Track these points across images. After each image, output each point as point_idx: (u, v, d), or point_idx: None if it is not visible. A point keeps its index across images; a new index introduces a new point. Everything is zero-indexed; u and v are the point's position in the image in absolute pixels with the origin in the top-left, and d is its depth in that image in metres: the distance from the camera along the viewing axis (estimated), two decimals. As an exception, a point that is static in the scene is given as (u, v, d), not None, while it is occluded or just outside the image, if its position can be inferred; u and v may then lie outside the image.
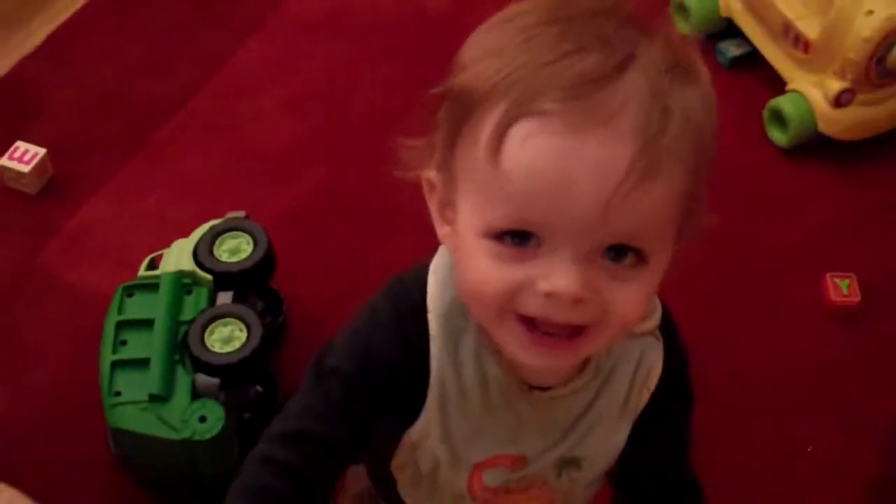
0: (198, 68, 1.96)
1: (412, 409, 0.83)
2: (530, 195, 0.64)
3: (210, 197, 1.72)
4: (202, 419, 1.28)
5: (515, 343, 0.71)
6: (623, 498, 0.90)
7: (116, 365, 1.35)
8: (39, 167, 1.75)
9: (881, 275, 1.66)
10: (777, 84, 1.83)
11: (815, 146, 1.80)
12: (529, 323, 0.69)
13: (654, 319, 0.83)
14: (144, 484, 1.41)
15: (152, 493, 1.40)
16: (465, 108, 0.68)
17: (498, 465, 0.86)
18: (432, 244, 1.68)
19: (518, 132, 0.64)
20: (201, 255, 1.43)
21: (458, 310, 0.78)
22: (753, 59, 1.91)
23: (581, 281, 0.65)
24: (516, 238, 0.66)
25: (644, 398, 0.84)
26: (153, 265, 1.48)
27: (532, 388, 0.80)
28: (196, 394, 1.32)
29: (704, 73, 0.69)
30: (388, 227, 1.67)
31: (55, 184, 1.77)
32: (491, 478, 0.87)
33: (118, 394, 1.33)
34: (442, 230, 0.76)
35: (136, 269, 1.49)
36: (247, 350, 1.34)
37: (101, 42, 1.99)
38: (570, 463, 0.86)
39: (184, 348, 1.35)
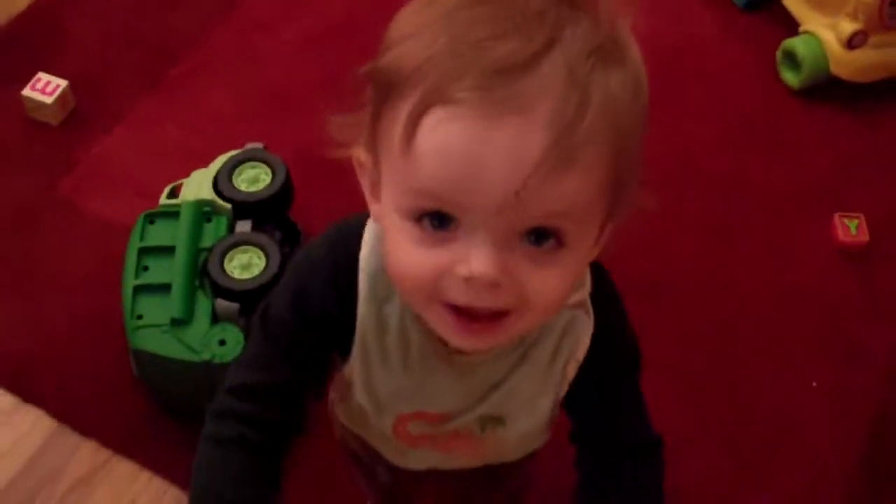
0: (214, 4, 1.97)
1: (347, 350, 0.84)
2: (441, 179, 0.63)
3: (229, 129, 1.74)
4: (221, 342, 1.32)
5: (443, 328, 0.71)
6: (583, 458, 0.89)
7: (138, 290, 1.39)
8: (62, 98, 1.77)
9: (890, 215, 1.68)
10: (790, 26, 1.84)
11: (826, 88, 1.81)
12: (456, 309, 0.68)
13: (582, 293, 0.81)
14: (164, 406, 1.44)
15: (172, 415, 1.44)
16: (386, 90, 0.67)
17: (420, 419, 0.87)
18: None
19: (430, 119, 0.63)
20: (221, 184, 1.45)
21: (386, 274, 0.78)
22: (768, 1, 1.91)
23: (498, 265, 0.65)
24: (435, 220, 0.66)
25: (572, 369, 0.84)
26: (174, 194, 1.51)
27: (452, 352, 0.81)
28: (216, 318, 1.35)
29: (633, 52, 0.68)
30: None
31: (77, 115, 1.79)
32: (414, 428, 0.88)
33: (140, 317, 1.36)
34: (374, 208, 0.75)
35: (157, 199, 1.51)
36: (265, 276, 1.37)
37: (121, -25, 2.01)
38: (492, 420, 0.87)
39: (204, 274, 1.39)
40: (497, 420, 0.87)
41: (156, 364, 1.35)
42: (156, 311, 1.36)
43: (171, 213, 1.46)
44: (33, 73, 1.79)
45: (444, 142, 0.63)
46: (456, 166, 0.63)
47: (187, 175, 1.51)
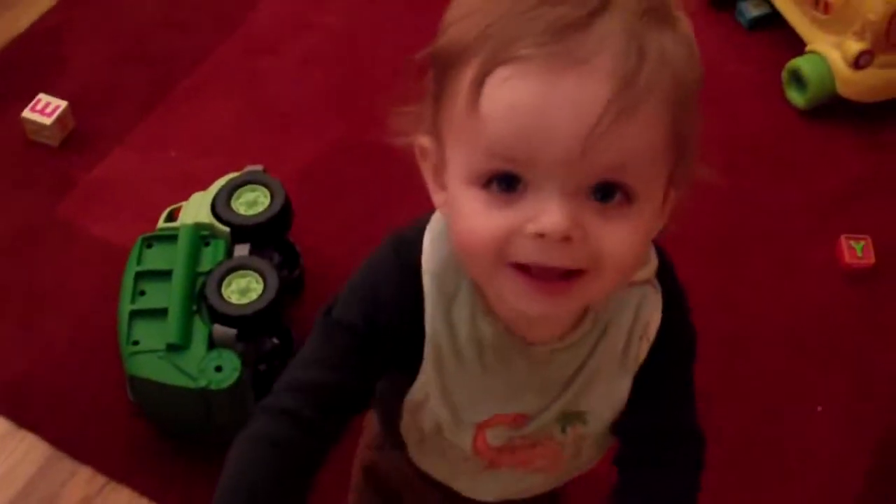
0: (217, 22, 1.97)
1: (413, 365, 0.83)
2: (509, 135, 0.65)
3: (229, 151, 1.73)
4: (218, 369, 1.30)
5: (513, 292, 0.70)
6: (626, 449, 0.89)
7: (135, 314, 1.38)
8: (61, 120, 1.76)
9: (896, 237, 1.66)
10: (796, 45, 1.83)
11: (833, 108, 1.79)
12: (525, 270, 0.69)
13: (650, 268, 0.82)
14: (161, 432, 1.43)
15: (169, 441, 1.42)
16: (447, 67, 0.69)
17: (499, 423, 0.86)
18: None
19: (495, 78, 0.65)
20: (219, 207, 1.44)
21: (452, 269, 0.79)
22: (773, 20, 1.90)
23: (569, 217, 0.65)
24: (502, 183, 0.67)
25: (644, 349, 0.83)
26: (172, 217, 1.50)
27: (528, 343, 0.80)
28: (213, 344, 1.34)
29: (684, 20, 0.70)
30: (405, 184, 1.66)
31: (76, 136, 1.79)
32: (494, 437, 0.87)
33: (136, 343, 1.35)
34: (438, 197, 0.76)
35: (156, 221, 1.50)
36: (263, 301, 1.36)
37: (121, -2, 2.01)
38: (572, 417, 0.86)
39: (201, 299, 1.37)
40: (577, 417, 0.86)
41: (152, 390, 1.34)
42: (152, 336, 1.35)
43: (169, 237, 1.45)
44: (34, 95, 1.78)
45: (510, 98, 0.64)
46: (522, 120, 0.64)
47: (187, 198, 1.50)
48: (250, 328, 1.36)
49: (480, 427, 0.86)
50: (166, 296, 1.37)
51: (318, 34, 1.94)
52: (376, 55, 1.89)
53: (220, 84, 1.87)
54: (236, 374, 1.29)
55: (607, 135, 0.63)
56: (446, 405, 0.85)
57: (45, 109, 1.76)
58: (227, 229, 1.43)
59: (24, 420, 1.46)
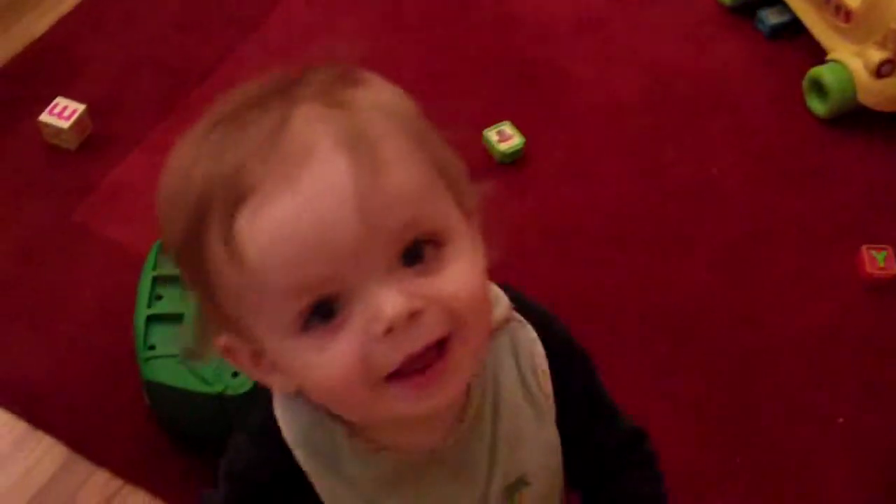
0: (232, 30, 1.97)
1: None
2: (291, 267, 0.61)
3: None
4: (235, 374, 1.30)
5: (405, 402, 0.66)
6: (580, 474, 0.86)
7: (151, 319, 1.37)
8: (79, 123, 1.76)
9: (919, 247, 1.65)
10: (817, 53, 1.81)
11: (854, 117, 1.78)
12: (402, 376, 0.64)
13: (503, 306, 0.78)
14: (177, 436, 1.42)
15: (184, 446, 1.41)
16: (189, 250, 0.65)
17: None
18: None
19: (240, 223, 0.61)
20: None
21: (318, 429, 0.75)
22: (794, 28, 1.89)
23: (402, 293, 0.62)
24: (319, 315, 0.63)
25: (545, 381, 0.80)
26: (189, 222, 1.49)
27: (432, 450, 0.76)
28: (229, 349, 1.33)
29: (374, 78, 0.69)
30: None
31: (94, 140, 1.79)
32: None
33: (153, 348, 1.35)
34: (273, 379, 0.71)
35: (173, 226, 1.50)
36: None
37: (137, 2, 2.01)
38: (513, 487, 0.82)
39: (218, 304, 1.36)
40: (519, 483, 0.82)
41: (168, 395, 1.34)
42: (168, 341, 1.34)
43: (187, 242, 1.44)
44: (52, 98, 1.79)
45: (268, 232, 0.61)
46: (292, 245, 0.60)
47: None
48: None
49: None
50: (183, 301, 1.37)
51: (335, 39, 1.94)
52: (393, 66, 1.89)
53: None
54: (252, 380, 1.29)
55: (377, 200, 0.61)
56: None
57: (62, 113, 1.76)
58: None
59: (42, 422, 1.46)
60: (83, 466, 1.42)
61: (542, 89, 1.86)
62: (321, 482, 0.76)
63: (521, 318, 0.79)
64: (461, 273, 0.65)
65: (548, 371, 0.80)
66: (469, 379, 0.71)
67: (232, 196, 0.61)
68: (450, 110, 1.78)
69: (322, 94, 0.64)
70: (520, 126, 1.74)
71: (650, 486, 0.87)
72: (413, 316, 0.62)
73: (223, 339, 0.70)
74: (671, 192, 1.70)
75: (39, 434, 1.45)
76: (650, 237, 1.64)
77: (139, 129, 1.80)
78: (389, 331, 0.62)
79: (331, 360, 0.63)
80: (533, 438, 0.81)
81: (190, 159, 0.65)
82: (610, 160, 1.74)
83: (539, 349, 0.79)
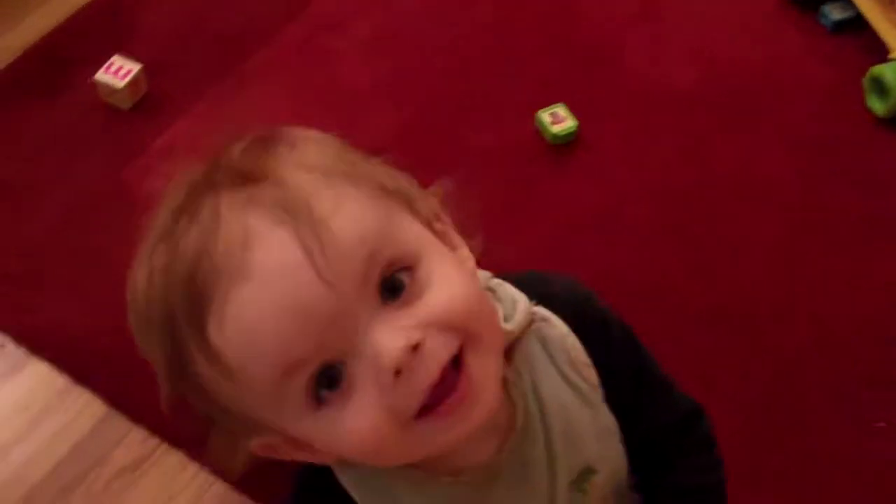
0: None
1: None
2: (279, 347, 0.60)
3: (293, 123, 1.73)
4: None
5: (440, 434, 0.65)
6: (641, 464, 0.85)
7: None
8: (134, 83, 1.77)
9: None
10: (880, 51, 1.78)
11: (914, 118, 1.75)
12: (429, 410, 0.63)
13: (522, 310, 0.76)
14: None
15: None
16: (181, 379, 0.65)
17: None
18: (501, 192, 1.67)
19: (212, 335, 0.61)
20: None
21: (372, 481, 0.75)
22: (857, 24, 1.85)
23: (395, 331, 0.61)
24: (325, 382, 0.62)
25: (590, 373, 0.78)
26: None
27: (488, 466, 0.76)
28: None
29: (291, 133, 0.69)
30: (462, 174, 1.67)
31: (148, 100, 1.80)
32: None
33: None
34: (317, 458, 0.71)
35: (221, 190, 1.50)
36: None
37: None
38: (581, 478, 0.81)
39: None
40: (586, 472, 0.81)
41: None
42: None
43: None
44: (108, 57, 1.79)
45: (237, 329, 0.60)
46: (265, 329, 0.60)
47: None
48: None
49: None
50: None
51: (387, 15, 1.93)
52: (443, 42, 1.88)
53: (288, 59, 1.87)
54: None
55: (330, 256, 0.59)
56: None
57: (118, 72, 1.77)
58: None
59: (83, 378, 1.47)
60: (120, 423, 1.43)
61: (599, 74, 1.84)
62: None
63: (547, 315, 0.78)
64: (445, 284, 0.64)
65: (589, 362, 0.78)
66: (499, 383, 0.69)
67: (194, 312, 0.61)
68: (503, 89, 1.79)
69: (241, 174, 0.63)
70: (574, 110, 1.73)
71: (707, 476, 0.86)
72: (416, 349, 0.61)
73: (254, 442, 0.70)
74: (722, 183, 1.68)
75: (80, 389, 1.46)
76: (698, 228, 1.62)
77: (193, 93, 1.81)
78: (399, 373, 0.61)
79: (355, 423, 0.62)
80: (587, 429, 0.80)
81: (144, 283, 0.65)
82: (662, 149, 1.73)
83: (573, 342, 0.78)
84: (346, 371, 0.62)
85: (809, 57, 1.87)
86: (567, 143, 1.70)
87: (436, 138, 1.74)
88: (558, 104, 1.73)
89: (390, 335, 0.61)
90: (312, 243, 0.59)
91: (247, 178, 0.62)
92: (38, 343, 1.52)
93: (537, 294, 0.78)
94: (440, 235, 0.69)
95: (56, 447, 1.41)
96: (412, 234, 0.66)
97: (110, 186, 1.69)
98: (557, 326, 0.77)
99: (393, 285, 0.62)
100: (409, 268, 0.63)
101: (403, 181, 0.70)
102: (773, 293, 1.56)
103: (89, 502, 1.37)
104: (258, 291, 0.59)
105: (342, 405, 0.62)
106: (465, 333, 0.64)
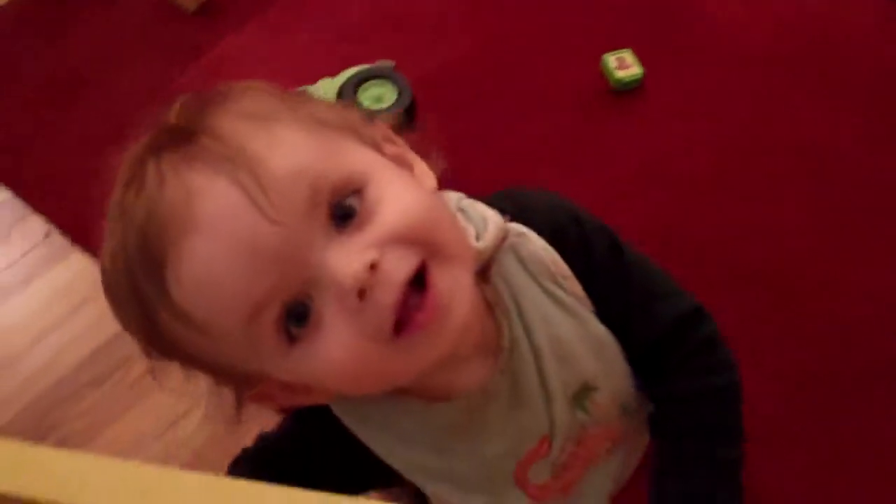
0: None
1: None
2: (233, 297, 0.61)
3: (360, 43, 1.71)
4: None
5: (422, 347, 0.64)
6: (647, 371, 0.83)
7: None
8: (200, -16, 1.76)
9: None
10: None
11: None
12: (404, 323, 0.63)
13: (494, 226, 0.74)
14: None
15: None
16: (160, 341, 0.65)
17: (530, 463, 0.82)
18: (560, 133, 1.64)
19: (174, 292, 0.61)
20: (345, 96, 1.43)
21: (373, 412, 0.76)
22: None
23: (351, 254, 0.61)
24: (294, 323, 0.62)
25: (573, 284, 0.77)
26: (296, 99, 1.49)
27: (484, 388, 0.76)
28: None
29: (228, 89, 0.67)
30: (519, 111, 1.65)
31: (212, 5, 1.78)
32: (536, 474, 0.83)
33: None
34: (313, 398, 0.72)
35: (279, 101, 1.49)
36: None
37: None
38: (581, 395, 0.81)
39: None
40: (584, 389, 0.81)
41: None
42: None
43: (290, 118, 1.43)
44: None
45: (195, 282, 0.61)
46: (221, 276, 0.60)
47: (313, 82, 1.49)
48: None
49: (518, 476, 0.83)
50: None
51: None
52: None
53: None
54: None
55: (272, 193, 0.59)
56: (475, 494, 0.82)
57: (182, -29, 1.76)
58: (349, 120, 1.42)
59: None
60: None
61: (671, 23, 1.80)
62: (377, 446, 0.77)
63: (522, 230, 0.76)
64: (396, 200, 0.63)
65: (569, 273, 0.77)
66: (472, 294, 0.68)
67: (154, 276, 0.61)
68: (572, 27, 1.76)
69: (178, 134, 0.63)
70: (641, 57, 1.70)
71: (711, 378, 0.83)
72: (374, 268, 0.61)
73: (249, 394, 0.70)
74: (785, 145, 1.65)
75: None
76: (757, 188, 1.59)
77: (258, 2, 1.79)
78: (363, 293, 0.61)
79: (332, 353, 0.63)
80: (578, 344, 0.79)
81: (108, 264, 0.65)
82: (727, 105, 1.69)
83: (552, 256, 0.76)
84: (312, 305, 0.62)
85: (882, 27, 1.82)
86: (630, 90, 1.68)
87: (499, 72, 1.71)
88: (626, 49, 1.70)
89: (346, 258, 0.61)
90: (251, 185, 0.59)
91: (184, 136, 0.63)
92: (83, 233, 1.53)
93: (514, 210, 0.77)
94: (394, 158, 0.69)
95: (91, 338, 1.42)
96: (357, 157, 0.65)
97: (165, 86, 1.69)
98: (534, 241, 0.76)
99: (343, 211, 0.62)
100: (358, 191, 0.63)
101: (347, 113, 0.69)
102: (831, 262, 1.53)
103: (116, 396, 1.38)
104: (207, 242, 0.60)
105: (315, 338, 0.62)
106: (425, 246, 0.63)
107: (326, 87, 1.45)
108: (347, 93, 1.42)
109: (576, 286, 0.77)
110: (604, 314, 0.79)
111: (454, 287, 0.64)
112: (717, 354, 0.84)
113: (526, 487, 0.83)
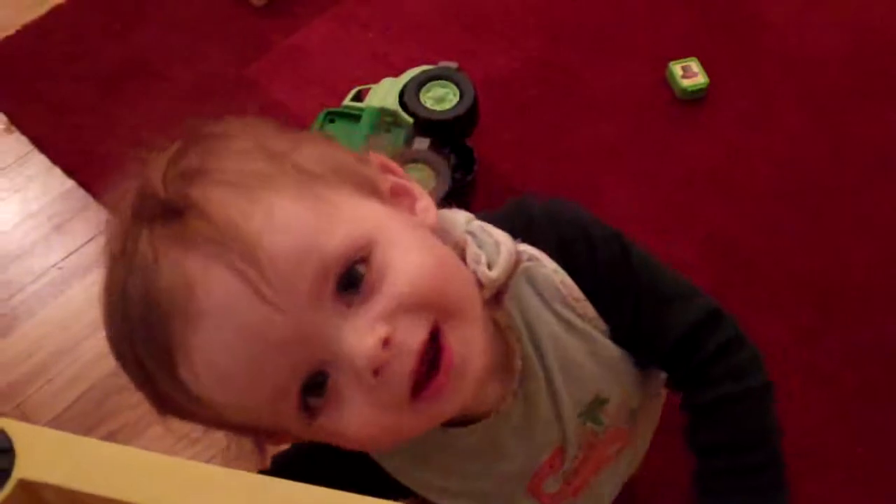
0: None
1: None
2: (249, 384, 0.60)
3: (426, 43, 1.72)
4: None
5: (438, 407, 0.64)
6: (675, 380, 0.83)
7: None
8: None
9: None
10: None
11: None
12: (421, 388, 0.62)
13: (506, 252, 0.72)
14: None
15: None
16: (176, 409, 0.65)
17: (543, 478, 0.83)
18: (623, 138, 1.63)
19: (186, 378, 0.60)
20: (407, 96, 1.43)
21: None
22: None
23: (362, 330, 0.60)
24: (313, 396, 0.62)
25: (585, 306, 0.76)
26: (359, 97, 1.49)
27: (497, 413, 0.76)
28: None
29: (210, 142, 0.65)
30: (586, 114, 1.65)
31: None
32: (549, 485, 0.84)
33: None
34: (313, 432, 0.68)
35: (341, 98, 1.50)
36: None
37: None
38: (594, 405, 0.81)
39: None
40: (596, 402, 0.81)
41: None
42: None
43: (353, 116, 1.44)
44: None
45: (208, 370, 0.60)
46: (236, 365, 0.59)
47: (377, 80, 1.49)
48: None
49: (533, 489, 0.83)
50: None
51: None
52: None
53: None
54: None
55: (275, 276, 0.57)
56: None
57: (256, -33, 1.77)
58: (410, 120, 1.42)
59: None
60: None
61: (737, 32, 1.78)
62: (390, 466, 0.79)
63: (534, 253, 0.75)
64: (403, 264, 0.62)
65: (581, 296, 0.76)
66: (484, 348, 0.67)
67: (163, 363, 0.60)
68: (638, 37, 1.75)
69: (165, 207, 0.60)
70: (707, 66, 1.68)
71: (735, 384, 0.80)
72: (386, 342, 0.60)
73: (267, 441, 0.71)
74: (852, 159, 1.62)
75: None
76: (820, 201, 1.57)
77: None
78: (377, 371, 0.60)
79: (352, 426, 0.63)
80: (589, 364, 0.78)
81: (113, 337, 0.63)
82: (793, 116, 1.67)
83: (563, 279, 0.75)
84: (328, 378, 0.61)
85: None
86: (695, 100, 1.66)
87: (562, 77, 1.71)
88: (692, 58, 1.68)
89: (358, 335, 0.60)
90: (249, 271, 0.57)
91: (171, 210, 0.60)
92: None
93: (520, 227, 0.75)
94: (393, 191, 0.67)
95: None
96: (357, 215, 0.63)
97: (233, 79, 1.71)
98: (546, 265, 0.75)
99: (350, 281, 0.61)
100: (365, 258, 0.61)
101: (337, 155, 0.66)
102: (889, 281, 1.51)
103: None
104: (214, 334, 0.58)
105: (334, 411, 0.62)
106: (436, 308, 0.62)
107: (389, 87, 1.45)
108: (410, 94, 1.43)
109: (587, 308, 0.77)
110: (617, 328, 0.79)
111: (467, 347, 0.64)
112: (737, 358, 0.80)
113: (540, 497, 0.84)
